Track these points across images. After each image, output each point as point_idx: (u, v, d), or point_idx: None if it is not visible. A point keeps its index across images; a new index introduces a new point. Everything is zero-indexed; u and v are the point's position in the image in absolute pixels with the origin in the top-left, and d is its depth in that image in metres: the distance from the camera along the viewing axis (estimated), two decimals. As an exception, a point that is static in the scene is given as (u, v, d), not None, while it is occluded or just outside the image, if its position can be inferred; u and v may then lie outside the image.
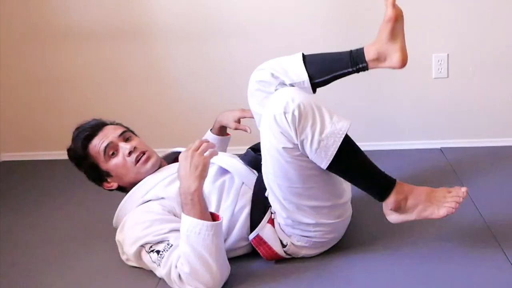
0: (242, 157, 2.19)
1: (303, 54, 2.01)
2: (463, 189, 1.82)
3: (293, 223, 1.90)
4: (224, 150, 2.42)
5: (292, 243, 1.94)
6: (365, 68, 1.97)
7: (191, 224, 1.73)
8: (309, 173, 1.82)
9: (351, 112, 3.10)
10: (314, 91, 1.96)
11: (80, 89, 3.33)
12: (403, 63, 1.94)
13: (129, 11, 3.14)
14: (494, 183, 2.57)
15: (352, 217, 2.10)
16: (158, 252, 1.82)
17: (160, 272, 1.82)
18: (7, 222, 2.56)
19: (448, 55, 3.01)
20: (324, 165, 1.75)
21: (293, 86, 1.92)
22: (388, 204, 1.83)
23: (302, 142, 1.73)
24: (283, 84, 1.97)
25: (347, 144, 1.77)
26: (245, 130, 2.28)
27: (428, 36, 2.99)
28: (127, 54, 3.22)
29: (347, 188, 2.06)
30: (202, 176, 1.79)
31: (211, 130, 2.42)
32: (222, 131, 2.41)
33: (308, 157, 1.77)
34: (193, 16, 3.10)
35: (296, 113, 1.70)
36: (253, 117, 2.14)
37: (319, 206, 1.88)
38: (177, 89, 3.25)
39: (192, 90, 3.22)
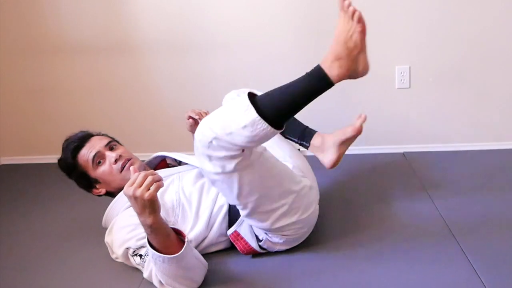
0: None
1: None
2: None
3: (264, 230, 1.91)
4: None
5: (268, 239, 1.93)
6: (305, 147, 2.17)
7: (154, 254, 1.66)
8: (261, 176, 1.73)
9: (321, 119, 3.12)
10: None
11: (74, 98, 3.33)
12: (333, 166, 2.10)
13: (118, 27, 3.14)
14: (451, 184, 2.59)
15: (323, 215, 2.13)
16: (140, 256, 1.82)
17: (143, 274, 1.82)
18: (6, 221, 2.56)
19: (410, 67, 3.03)
20: (263, 124, 1.53)
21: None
22: (335, 76, 1.54)
23: (237, 140, 1.56)
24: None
25: (259, 96, 1.59)
26: (197, 120, 2.23)
27: (391, 50, 3.02)
28: (116, 66, 3.22)
29: (305, 175, 2.07)
30: (154, 211, 1.63)
31: None
32: None
33: (250, 163, 1.66)
34: (177, 32, 3.12)
35: (215, 143, 1.56)
36: (194, 117, 2.22)
37: (284, 205, 1.82)
38: (163, 99, 3.25)
39: (176, 100, 3.23)
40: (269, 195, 1.79)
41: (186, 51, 3.14)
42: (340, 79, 1.57)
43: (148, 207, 1.62)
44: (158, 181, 1.64)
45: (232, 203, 1.84)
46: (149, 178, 1.62)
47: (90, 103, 3.32)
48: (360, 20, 1.52)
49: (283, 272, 1.90)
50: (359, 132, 1.99)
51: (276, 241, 1.94)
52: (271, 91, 1.61)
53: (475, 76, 3.01)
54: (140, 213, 1.64)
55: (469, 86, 3.03)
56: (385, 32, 2.98)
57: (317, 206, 2.05)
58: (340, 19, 1.55)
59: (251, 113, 1.52)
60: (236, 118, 1.54)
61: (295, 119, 2.22)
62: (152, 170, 1.69)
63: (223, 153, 1.59)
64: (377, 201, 2.45)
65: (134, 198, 1.61)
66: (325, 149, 2.10)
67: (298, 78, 1.60)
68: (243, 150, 1.60)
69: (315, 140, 2.14)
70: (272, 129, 1.54)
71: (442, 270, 1.82)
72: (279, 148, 2.17)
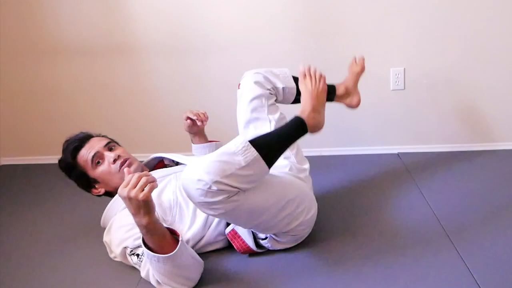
0: None
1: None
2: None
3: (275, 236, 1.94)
4: None
5: (273, 237, 1.94)
6: (332, 99, 2.36)
7: (149, 254, 1.67)
8: (260, 198, 1.74)
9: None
10: (295, 101, 2.27)
11: (73, 99, 3.34)
12: (359, 104, 2.43)
13: (117, 30, 3.15)
14: (445, 184, 2.60)
15: (321, 215, 2.13)
16: (137, 255, 1.83)
17: (141, 273, 1.83)
18: (6, 221, 2.56)
19: (404, 69, 3.04)
20: (266, 169, 1.68)
21: (284, 90, 2.22)
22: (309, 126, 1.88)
23: (238, 184, 1.62)
24: (274, 87, 2.22)
25: (257, 146, 1.67)
26: (195, 120, 2.28)
27: (386, 52, 3.02)
28: (115, 68, 3.23)
29: (300, 172, 2.11)
30: (148, 212, 1.63)
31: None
32: (198, 139, 2.41)
33: (247, 194, 1.68)
34: (175, 34, 3.12)
35: (215, 187, 1.56)
36: (193, 117, 2.26)
37: (287, 217, 1.84)
38: (160, 100, 3.26)
39: (174, 101, 3.24)
40: (274, 211, 1.79)
41: (185, 53, 3.14)
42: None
43: (143, 207, 1.62)
44: (152, 182, 1.63)
45: (244, 228, 1.88)
46: (143, 179, 1.62)
47: (89, 104, 3.32)
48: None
49: (279, 271, 1.90)
50: (364, 67, 2.45)
51: (281, 240, 1.96)
52: (260, 136, 1.77)
53: (468, 78, 3.02)
54: (135, 214, 1.64)
55: (463, 87, 3.04)
56: (381, 35, 2.99)
57: (316, 205, 2.05)
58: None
59: (251, 153, 1.64)
60: (234, 160, 1.60)
61: None
62: (146, 172, 1.69)
63: (221, 197, 1.60)
64: (372, 201, 2.46)
65: (128, 199, 1.61)
66: (351, 93, 2.41)
67: (282, 126, 1.90)
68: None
69: (339, 90, 2.39)
70: (267, 169, 1.69)
71: (436, 270, 1.83)
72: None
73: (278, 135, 1.81)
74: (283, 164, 2.15)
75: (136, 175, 1.63)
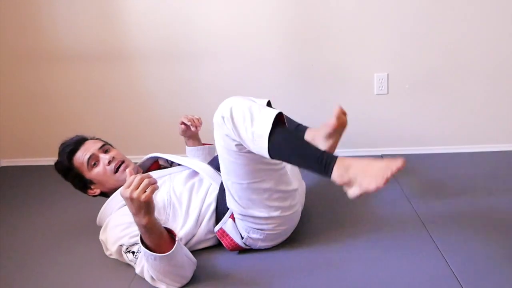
0: (210, 161, 2.24)
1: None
2: (399, 161, 1.56)
3: (245, 217, 1.91)
4: (211, 156, 2.46)
5: (249, 236, 1.96)
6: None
7: (146, 252, 1.68)
8: (257, 168, 1.79)
9: (305, 123, 3.14)
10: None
11: (70, 103, 3.33)
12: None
13: (112, 36, 3.15)
14: (427, 184, 2.63)
15: (306, 212, 2.14)
16: (133, 253, 1.84)
17: (136, 270, 1.85)
18: (5, 220, 2.56)
19: (388, 74, 3.06)
20: (265, 152, 1.64)
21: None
22: (334, 179, 1.57)
23: (241, 138, 1.68)
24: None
25: (282, 130, 1.66)
26: (189, 125, 2.30)
27: (370, 58, 3.05)
28: (110, 73, 3.23)
29: (295, 179, 2.07)
30: (148, 212, 1.65)
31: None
32: (191, 142, 2.44)
33: (253, 153, 1.72)
34: (169, 41, 3.13)
35: (229, 114, 1.68)
36: (187, 123, 2.29)
37: (269, 199, 1.87)
38: (154, 104, 3.26)
39: (167, 105, 3.24)
40: (258, 186, 1.83)
41: (177, 59, 3.15)
42: (336, 182, 1.58)
43: (144, 208, 1.64)
44: (154, 183, 1.66)
45: (227, 176, 1.87)
46: (145, 181, 1.64)
47: (85, 108, 3.32)
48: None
49: (266, 268, 1.92)
50: (336, 126, 1.99)
51: (256, 237, 1.96)
52: (289, 135, 1.68)
53: (449, 83, 3.05)
54: (135, 214, 1.66)
55: (444, 92, 3.07)
56: (365, 41, 3.01)
57: (301, 207, 2.07)
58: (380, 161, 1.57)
59: (263, 142, 1.63)
60: (253, 125, 1.65)
61: (289, 118, 2.22)
62: (148, 173, 1.71)
63: (226, 131, 1.70)
64: (356, 201, 2.46)
65: (130, 200, 1.63)
66: (316, 144, 1.99)
67: (314, 153, 1.62)
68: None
69: (307, 136, 2.13)
70: (268, 157, 1.65)
71: (418, 266, 1.85)
72: None
73: (298, 154, 1.65)
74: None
75: (139, 176, 1.65)
